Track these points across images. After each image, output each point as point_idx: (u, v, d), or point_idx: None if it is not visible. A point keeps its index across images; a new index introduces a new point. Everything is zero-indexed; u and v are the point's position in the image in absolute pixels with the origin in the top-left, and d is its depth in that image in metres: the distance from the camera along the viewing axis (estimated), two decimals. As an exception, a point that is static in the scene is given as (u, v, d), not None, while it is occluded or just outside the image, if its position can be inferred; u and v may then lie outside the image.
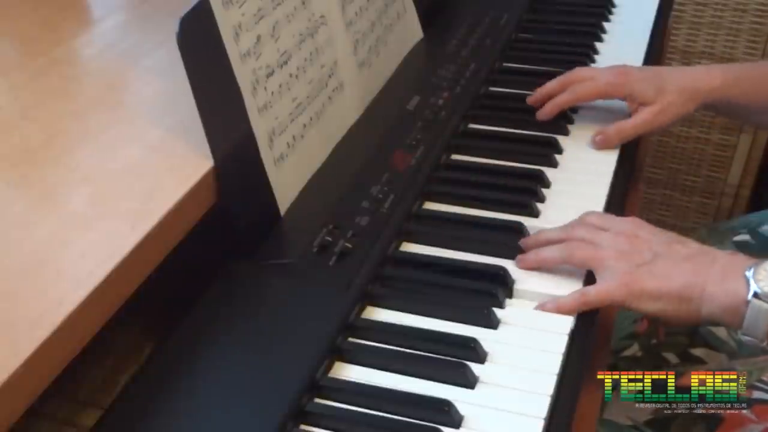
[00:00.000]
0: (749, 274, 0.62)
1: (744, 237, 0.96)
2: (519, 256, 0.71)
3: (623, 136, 0.86)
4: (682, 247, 0.68)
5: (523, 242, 0.73)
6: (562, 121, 0.90)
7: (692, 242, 0.69)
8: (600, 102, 0.92)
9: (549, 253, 0.69)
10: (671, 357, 0.89)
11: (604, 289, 0.66)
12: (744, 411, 0.75)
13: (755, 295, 0.61)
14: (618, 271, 0.66)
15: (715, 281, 0.64)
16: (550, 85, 0.90)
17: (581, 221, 0.72)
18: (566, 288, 0.68)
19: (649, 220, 0.72)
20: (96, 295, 0.54)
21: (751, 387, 0.77)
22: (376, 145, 0.83)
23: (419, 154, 0.82)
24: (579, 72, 0.90)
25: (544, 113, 0.89)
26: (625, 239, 0.68)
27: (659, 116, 0.84)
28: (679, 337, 0.91)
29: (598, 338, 0.71)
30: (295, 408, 0.56)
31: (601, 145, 0.85)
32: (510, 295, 0.68)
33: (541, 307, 0.66)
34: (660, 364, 0.89)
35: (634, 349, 0.91)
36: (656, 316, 0.68)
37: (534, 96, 0.91)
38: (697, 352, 0.90)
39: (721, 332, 0.91)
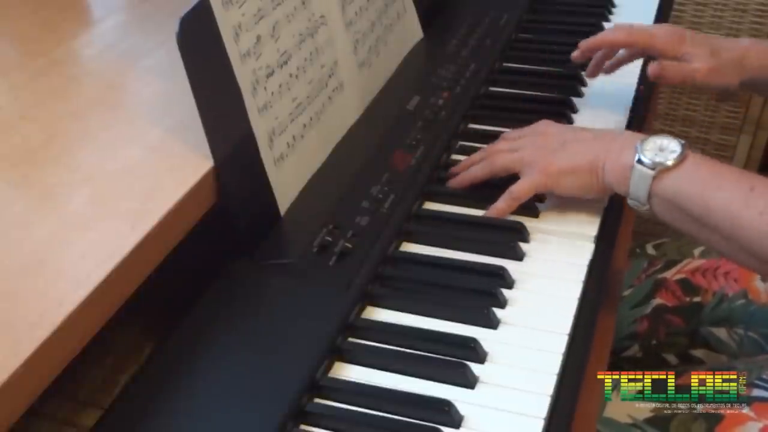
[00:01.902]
0: (638, 145, 0.69)
1: None
2: (450, 181, 0.80)
3: (676, 76, 0.85)
4: (587, 132, 0.77)
5: (454, 183, 0.80)
6: (563, 120, 0.90)
7: (598, 130, 0.77)
8: (599, 103, 0.92)
9: (474, 170, 0.78)
10: (671, 358, 0.89)
11: (526, 181, 0.74)
12: (744, 408, 0.76)
13: (639, 161, 0.69)
14: (535, 162, 0.74)
15: (614, 153, 0.72)
16: (612, 39, 0.90)
17: (501, 138, 0.81)
18: (565, 287, 0.68)
19: (648, 221, 0.73)
20: (96, 295, 0.54)
21: (750, 385, 0.77)
22: (376, 145, 0.83)
23: (419, 154, 0.82)
24: (641, 34, 0.88)
25: (579, 54, 0.91)
26: (537, 137, 0.77)
27: (710, 74, 0.84)
28: (679, 338, 0.92)
29: (598, 338, 0.71)
30: (295, 408, 0.56)
31: (656, 77, 0.84)
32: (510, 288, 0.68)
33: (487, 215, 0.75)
34: (660, 365, 0.89)
35: (634, 350, 0.91)
36: (574, 193, 0.74)
37: (588, 44, 0.91)
38: (697, 352, 0.90)
39: (721, 333, 0.92)
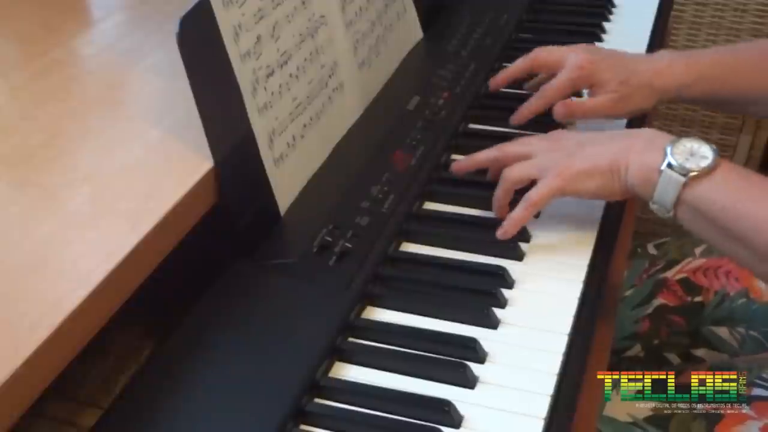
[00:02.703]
0: (668, 146, 0.66)
1: None
2: (455, 163, 0.78)
3: (582, 113, 0.84)
4: (603, 134, 0.73)
5: (457, 166, 0.78)
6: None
7: (615, 130, 0.74)
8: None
9: (497, 193, 0.74)
10: (672, 357, 0.89)
11: (543, 187, 0.70)
12: (743, 408, 0.76)
13: (669, 165, 0.65)
14: (551, 166, 0.71)
15: (637, 152, 0.68)
16: (520, 66, 0.89)
17: (507, 145, 0.77)
18: (565, 287, 0.68)
19: (649, 220, 0.73)
20: (96, 295, 0.54)
21: (750, 384, 0.77)
22: (376, 145, 0.83)
23: (419, 154, 0.82)
24: (549, 56, 0.87)
25: (518, 120, 0.88)
26: (551, 142, 0.74)
27: (618, 104, 0.83)
28: (680, 338, 0.91)
29: (598, 338, 0.71)
30: (295, 408, 0.56)
31: (564, 117, 0.84)
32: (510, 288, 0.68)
33: (503, 230, 0.71)
34: (662, 365, 0.89)
35: (636, 350, 0.91)
36: (594, 196, 0.71)
37: (500, 78, 0.91)
38: (699, 352, 0.90)
39: (723, 332, 0.91)
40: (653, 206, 0.67)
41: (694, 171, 0.64)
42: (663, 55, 0.85)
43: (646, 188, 0.67)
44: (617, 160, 0.68)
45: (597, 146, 0.71)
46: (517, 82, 0.91)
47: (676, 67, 0.83)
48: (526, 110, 0.87)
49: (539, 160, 0.72)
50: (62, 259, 0.57)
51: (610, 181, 0.69)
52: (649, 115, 0.97)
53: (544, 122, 0.85)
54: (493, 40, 1.04)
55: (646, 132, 0.71)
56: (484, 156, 0.77)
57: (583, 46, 0.87)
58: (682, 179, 0.64)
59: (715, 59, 0.84)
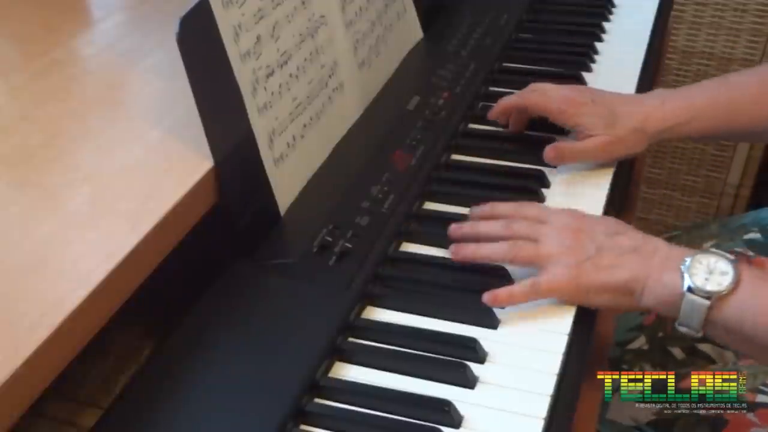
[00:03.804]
0: (684, 267, 0.63)
1: (755, 235, 0.96)
2: (454, 248, 0.70)
3: (572, 157, 0.83)
4: (625, 239, 0.67)
5: (455, 231, 0.72)
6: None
7: (633, 231, 0.69)
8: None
9: (491, 250, 0.69)
10: (677, 352, 0.89)
11: (556, 281, 0.66)
12: (748, 415, 0.75)
13: (689, 289, 0.62)
14: (564, 266, 0.66)
15: (655, 274, 0.64)
16: (502, 106, 0.88)
17: (519, 212, 0.72)
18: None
19: (649, 221, 0.72)
20: (96, 295, 0.54)
21: (755, 391, 0.77)
22: (376, 145, 0.83)
23: (419, 154, 0.82)
24: (535, 84, 0.87)
25: (495, 114, 0.87)
26: (567, 234, 0.68)
27: (608, 148, 0.82)
28: None
29: (598, 338, 0.71)
30: (295, 408, 0.56)
31: (555, 160, 0.82)
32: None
33: (493, 297, 0.66)
34: (666, 359, 0.89)
35: (640, 342, 0.91)
36: (602, 308, 0.68)
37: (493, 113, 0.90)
38: (704, 347, 0.89)
39: None
40: (681, 328, 0.64)
41: (717, 292, 0.61)
42: (655, 95, 0.84)
43: (669, 311, 0.64)
44: (634, 281, 0.65)
45: (615, 257, 0.66)
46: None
47: (669, 107, 0.82)
48: (498, 103, 0.87)
49: (551, 250, 0.67)
50: (62, 259, 0.57)
51: (622, 299, 0.66)
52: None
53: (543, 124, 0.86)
54: (493, 40, 1.04)
55: (663, 247, 0.66)
56: (499, 254, 0.69)
57: (572, 87, 0.87)
58: (707, 303, 0.61)
59: (712, 98, 0.83)
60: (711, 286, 0.61)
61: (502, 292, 0.66)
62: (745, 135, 0.89)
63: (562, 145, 0.82)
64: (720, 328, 0.62)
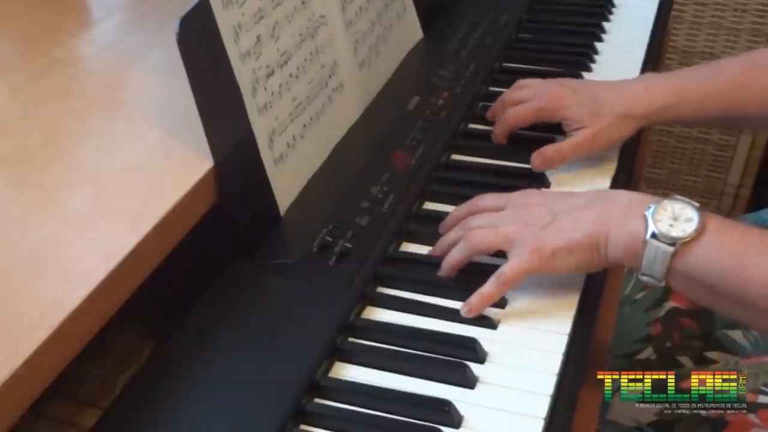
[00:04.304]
0: (648, 213, 0.62)
1: None
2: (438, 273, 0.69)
3: (561, 159, 0.82)
4: (578, 199, 0.67)
5: (432, 251, 0.71)
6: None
7: (589, 191, 0.68)
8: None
9: (454, 255, 0.68)
10: (685, 360, 0.89)
11: (517, 264, 0.65)
12: (749, 415, 0.75)
13: (653, 235, 0.61)
14: (525, 241, 0.65)
15: (618, 223, 0.63)
16: (494, 107, 0.89)
17: (474, 207, 0.71)
18: (566, 287, 0.68)
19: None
20: (96, 295, 0.54)
21: (756, 391, 0.76)
22: (376, 145, 0.83)
23: (419, 154, 0.82)
24: (514, 93, 0.87)
25: (495, 136, 0.87)
26: (522, 210, 0.68)
27: (596, 139, 0.81)
28: (693, 341, 0.91)
29: (598, 338, 0.71)
30: (295, 408, 0.56)
31: (542, 167, 0.81)
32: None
33: (468, 307, 0.64)
34: (674, 368, 0.88)
35: (648, 353, 0.90)
36: (572, 271, 0.66)
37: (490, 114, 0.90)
38: (712, 355, 0.89)
39: (736, 335, 0.91)
40: (642, 278, 0.63)
41: (681, 238, 0.60)
42: (640, 80, 0.83)
43: (632, 260, 0.63)
44: (596, 234, 0.64)
45: (572, 217, 0.65)
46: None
47: (655, 90, 0.81)
48: (494, 137, 0.87)
49: (509, 230, 0.66)
50: (62, 259, 0.57)
51: (589, 255, 0.64)
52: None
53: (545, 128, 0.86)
54: (493, 40, 1.04)
55: (621, 196, 0.66)
56: (456, 254, 0.68)
57: (555, 81, 0.86)
58: (670, 249, 0.60)
59: (701, 81, 0.82)
60: (675, 233, 0.60)
61: (473, 299, 0.65)
62: (737, 120, 0.88)
63: (546, 150, 0.81)
64: (683, 278, 0.61)
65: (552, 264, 0.65)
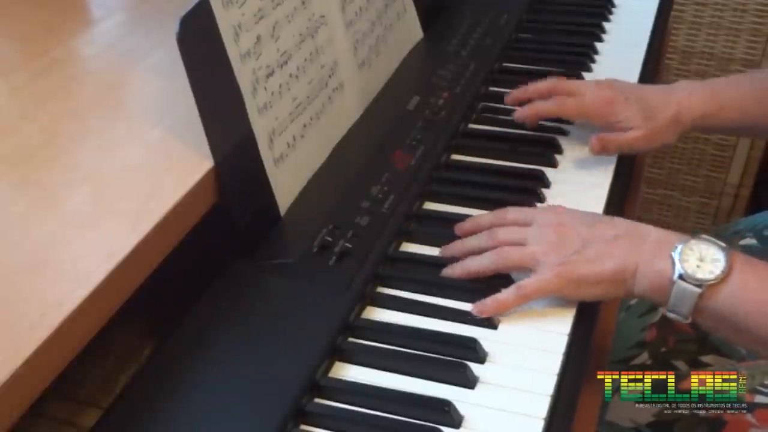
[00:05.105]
0: (675, 254, 0.62)
1: (750, 241, 0.96)
2: (444, 270, 0.69)
3: (616, 148, 0.84)
4: (608, 229, 0.67)
5: (445, 252, 0.71)
6: (562, 121, 0.90)
7: (618, 220, 0.69)
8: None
9: (478, 263, 0.68)
10: (681, 365, 0.89)
11: (540, 282, 0.65)
12: (746, 415, 0.75)
13: (680, 276, 0.62)
14: (551, 263, 0.65)
15: (646, 261, 0.64)
16: (539, 86, 0.88)
17: (501, 219, 0.71)
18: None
19: (648, 221, 0.72)
20: (96, 295, 0.54)
21: (753, 391, 0.76)
22: (376, 145, 0.83)
23: (419, 154, 0.82)
24: (569, 84, 0.88)
25: (524, 116, 0.87)
26: (551, 230, 0.68)
27: (648, 141, 0.83)
28: (689, 345, 0.91)
29: (598, 338, 0.71)
30: (295, 408, 0.56)
31: (599, 151, 0.83)
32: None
33: (482, 307, 0.65)
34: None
35: (643, 358, 0.90)
36: (594, 300, 0.67)
37: (517, 93, 0.89)
38: (707, 359, 0.89)
39: None
40: (669, 314, 0.64)
41: (708, 281, 0.61)
42: (681, 87, 0.85)
43: (659, 298, 0.64)
44: (623, 269, 0.64)
45: (601, 248, 0.65)
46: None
47: (696, 98, 0.83)
48: (533, 107, 0.87)
49: (536, 250, 0.67)
50: (62, 259, 0.57)
51: (613, 289, 0.65)
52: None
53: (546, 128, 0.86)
54: (493, 40, 1.04)
55: (651, 233, 0.66)
56: (486, 264, 0.68)
57: (605, 82, 0.87)
58: (697, 291, 0.61)
59: (739, 90, 0.84)
60: (702, 274, 0.61)
61: (489, 302, 0.65)
62: (765, 131, 0.90)
63: (606, 137, 0.83)
64: (709, 316, 0.62)
65: (575, 291, 0.66)
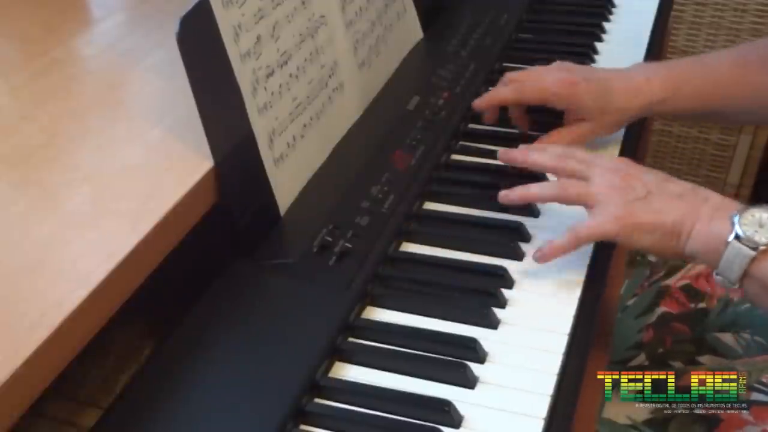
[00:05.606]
0: (735, 217, 0.63)
1: None
2: (503, 192, 0.71)
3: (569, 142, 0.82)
4: (674, 186, 0.68)
5: (505, 154, 0.74)
6: (560, 120, 0.90)
7: (683, 182, 0.69)
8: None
9: (539, 189, 0.70)
10: (678, 365, 0.89)
11: (596, 224, 0.66)
12: (742, 412, 0.76)
13: (736, 237, 0.62)
14: (611, 205, 0.66)
15: (704, 220, 0.64)
16: (498, 87, 0.87)
17: (570, 153, 0.72)
18: (566, 287, 0.68)
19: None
20: (96, 295, 0.54)
21: (750, 388, 0.77)
22: (376, 145, 0.83)
23: (419, 154, 0.82)
24: (525, 71, 0.87)
25: (481, 105, 0.86)
26: (617, 175, 0.68)
27: (601, 131, 0.83)
28: (685, 345, 0.91)
29: (598, 338, 0.71)
30: (295, 408, 0.56)
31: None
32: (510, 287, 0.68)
33: (541, 255, 0.67)
34: None
35: (640, 359, 0.91)
36: (645, 250, 0.68)
37: (478, 101, 0.88)
38: (704, 359, 0.89)
39: (727, 339, 0.91)
40: (717, 277, 0.64)
41: (763, 244, 0.61)
42: (639, 71, 0.84)
43: (711, 258, 0.64)
44: (682, 223, 0.65)
45: (665, 201, 0.66)
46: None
47: (654, 83, 0.82)
48: (488, 95, 0.86)
49: (599, 190, 0.67)
50: (62, 259, 0.57)
51: (668, 241, 0.65)
52: (648, 117, 0.96)
53: (545, 122, 0.86)
54: (493, 40, 1.04)
55: (714, 197, 0.67)
56: (547, 191, 0.71)
57: (557, 64, 0.86)
58: (752, 253, 0.61)
59: (690, 73, 0.83)
60: (759, 237, 0.61)
61: (546, 247, 0.67)
62: (719, 116, 0.89)
63: (554, 135, 0.82)
64: (756, 283, 0.62)
65: (629, 237, 0.66)
